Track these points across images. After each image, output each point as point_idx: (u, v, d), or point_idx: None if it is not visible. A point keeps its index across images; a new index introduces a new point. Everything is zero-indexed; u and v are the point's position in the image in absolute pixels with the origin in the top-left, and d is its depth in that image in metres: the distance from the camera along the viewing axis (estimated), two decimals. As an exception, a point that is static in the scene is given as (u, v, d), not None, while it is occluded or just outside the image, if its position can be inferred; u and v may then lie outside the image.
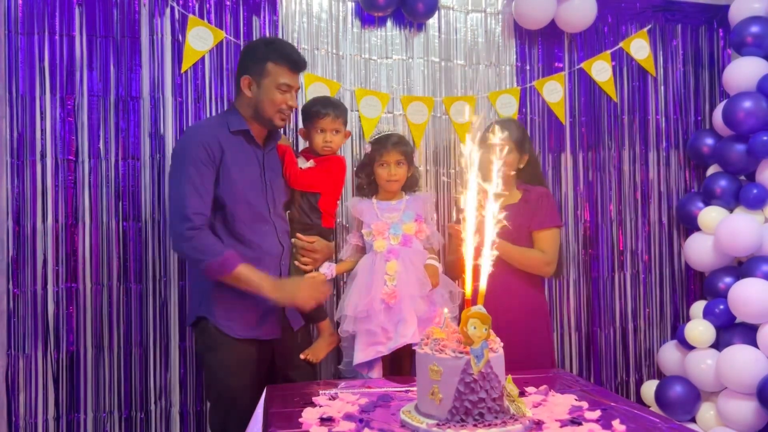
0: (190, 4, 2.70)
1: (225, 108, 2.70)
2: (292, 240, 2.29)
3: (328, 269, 2.35)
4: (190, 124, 2.67)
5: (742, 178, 3.10)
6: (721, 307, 2.83)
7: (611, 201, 3.22)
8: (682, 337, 2.94)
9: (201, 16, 2.70)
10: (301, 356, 2.29)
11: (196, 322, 2.18)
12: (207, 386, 2.34)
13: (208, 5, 2.71)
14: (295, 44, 2.70)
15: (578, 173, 3.17)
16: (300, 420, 1.57)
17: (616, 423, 1.49)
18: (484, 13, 3.06)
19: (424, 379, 1.50)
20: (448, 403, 1.43)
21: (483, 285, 1.53)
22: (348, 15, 2.90)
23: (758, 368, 2.65)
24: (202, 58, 2.69)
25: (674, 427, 1.51)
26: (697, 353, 2.90)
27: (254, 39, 2.74)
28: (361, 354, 2.24)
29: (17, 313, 2.52)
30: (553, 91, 3.10)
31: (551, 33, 3.09)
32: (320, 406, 1.67)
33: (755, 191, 2.92)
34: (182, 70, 2.67)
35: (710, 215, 3.02)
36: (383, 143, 2.41)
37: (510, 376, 1.48)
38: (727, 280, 2.92)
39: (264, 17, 2.79)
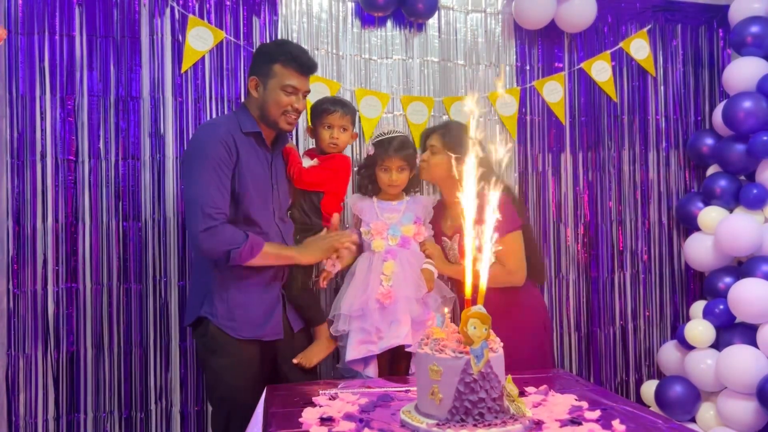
0: (190, 4, 2.70)
1: (225, 108, 2.71)
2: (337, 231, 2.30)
3: (332, 266, 2.34)
4: (190, 124, 2.67)
5: (742, 178, 3.10)
6: (721, 307, 2.83)
7: (611, 201, 3.23)
8: (682, 337, 2.94)
9: (201, 16, 2.70)
10: (294, 361, 2.26)
11: (196, 323, 2.17)
12: (209, 389, 2.30)
13: (208, 5, 2.71)
14: (295, 44, 2.71)
15: (578, 173, 3.17)
16: (300, 420, 1.57)
17: (616, 423, 1.49)
18: (484, 13, 3.06)
19: (424, 379, 1.50)
20: (448, 403, 1.43)
21: (483, 285, 1.53)
22: (348, 15, 2.90)
23: (758, 368, 2.65)
24: (202, 58, 2.69)
25: (674, 427, 1.51)
26: (697, 353, 2.90)
27: (254, 39, 2.75)
28: (353, 351, 2.24)
29: (17, 313, 2.52)
30: (553, 91, 3.10)
31: (551, 33, 3.09)
32: (320, 406, 1.67)
33: (755, 191, 2.93)
34: (182, 70, 2.67)
35: (710, 215, 3.02)
36: (386, 147, 2.37)
37: (510, 376, 1.48)
38: (727, 280, 2.92)
39: (264, 17, 2.79)
